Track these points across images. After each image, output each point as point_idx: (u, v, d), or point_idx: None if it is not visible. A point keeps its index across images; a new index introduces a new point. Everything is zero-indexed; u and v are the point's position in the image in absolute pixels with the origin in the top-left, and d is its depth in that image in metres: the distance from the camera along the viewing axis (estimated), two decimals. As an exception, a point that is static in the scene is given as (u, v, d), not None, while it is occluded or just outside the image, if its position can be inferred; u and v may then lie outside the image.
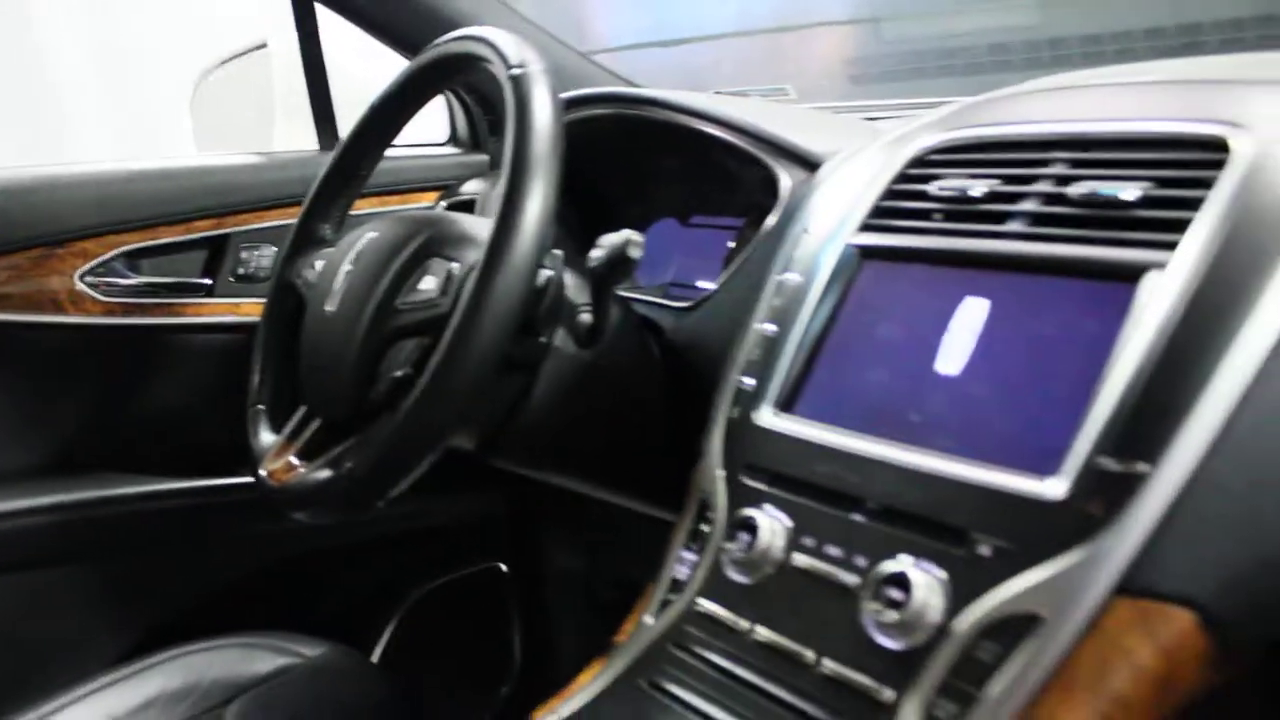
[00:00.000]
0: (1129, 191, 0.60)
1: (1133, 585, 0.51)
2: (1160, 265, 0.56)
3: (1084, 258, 0.60)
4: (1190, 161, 0.60)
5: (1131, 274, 0.57)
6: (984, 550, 0.55)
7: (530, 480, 0.97)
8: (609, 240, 0.80)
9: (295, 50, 1.21)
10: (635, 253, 0.80)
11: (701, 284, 1.01)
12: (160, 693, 0.89)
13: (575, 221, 1.09)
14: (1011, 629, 0.53)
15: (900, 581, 0.55)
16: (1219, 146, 0.59)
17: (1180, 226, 0.57)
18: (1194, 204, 0.57)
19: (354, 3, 1.20)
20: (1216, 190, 0.57)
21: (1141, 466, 0.52)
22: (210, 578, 1.20)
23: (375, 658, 1.28)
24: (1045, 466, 0.55)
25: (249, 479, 0.88)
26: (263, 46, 1.35)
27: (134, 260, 1.12)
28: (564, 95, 1.06)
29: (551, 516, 1.40)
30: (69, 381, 1.13)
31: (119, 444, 1.15)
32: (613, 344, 0.86)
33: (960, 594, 0.55)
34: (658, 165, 1.09)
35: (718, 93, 1.19)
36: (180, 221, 1.13)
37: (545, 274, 0.81)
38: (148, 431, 1.16)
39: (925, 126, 0.77)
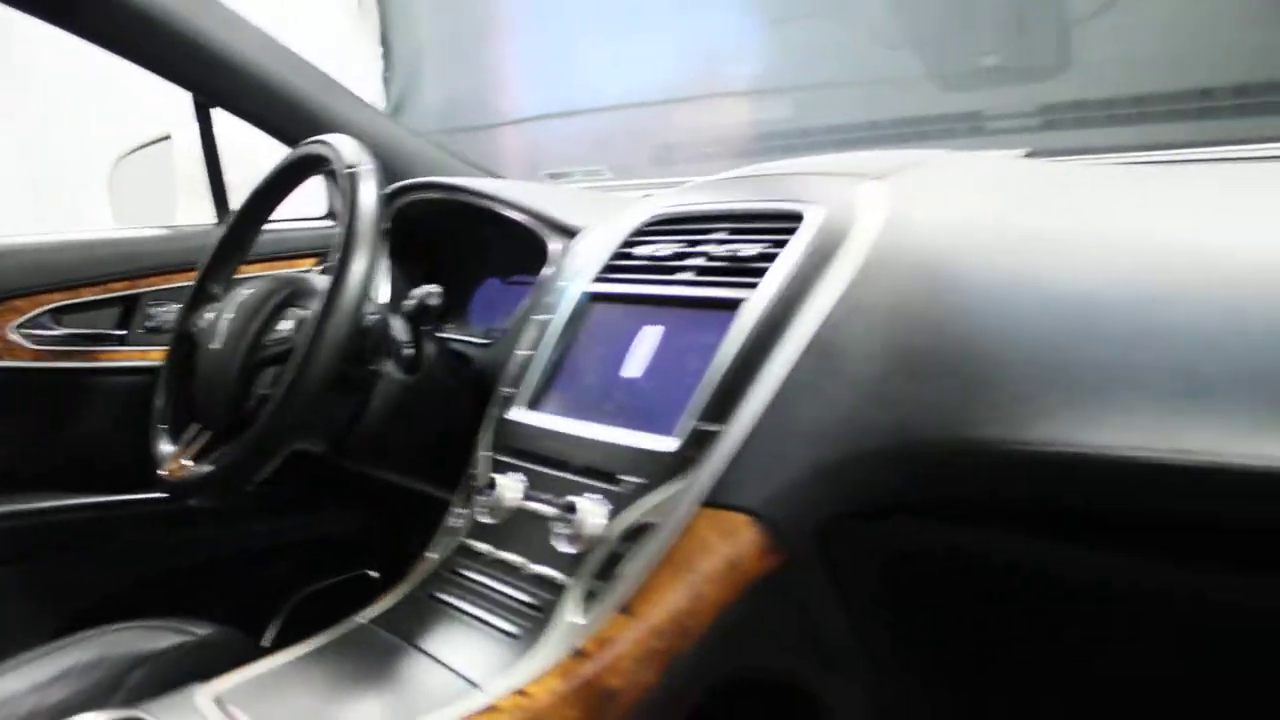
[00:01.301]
0: (750, 249, 0.92)
1: (712, 501, 0.81)
2: (749, 298, 0.87)
3: (715, 296, 0.91)
4: (784, 229, 0.91)
5: (736, 304, 0.88)
6: (627, 486, 0.85)
7: (401, 496, 1.24)
8: (415, 292, 1.11)
9: (195, 141, 1.51)
10: (434, 301, 1.10)
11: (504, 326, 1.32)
12: (74, 664, 1.08)
13: (419, 279, 1.39)
14: (638, 534, 0.83)
15: (572, 508, 0.85)
16: (796, 217, 0.91)
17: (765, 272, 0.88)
18: (774, 257, 0.89)
19: (245, 106, 1.50)
20: (788, 247, 0.88)
21: (718, 426, 0.83)
22: (120, 577, 1.46)
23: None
24: (668, 430, 0.86)
25: (155, 494, 1.15)
26: (166, 138, 1.64)
27: (59, 315, 1.40)
28: (400, 183, 1.38)
29: (417, 528, 1.68)
30: (4, 414, 1.40)
31: (47, 466, 1.42)
32: (429, 370, 1.16)
33: (611, 515, 0.85)
34: (483, 235, 1.39)
35: (553, 173, 1.49)
36: (100, 283, 1.41)
37: (372, 318, 1.10)
38: (71, 455, 1.43)
39: (647, 203, 1.09)
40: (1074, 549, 0.78)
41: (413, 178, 1.40)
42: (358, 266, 1.02)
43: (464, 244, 1.43)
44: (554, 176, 1.80)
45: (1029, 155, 1.26)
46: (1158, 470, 0.67)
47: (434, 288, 1.11)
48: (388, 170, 1.34)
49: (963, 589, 0.87)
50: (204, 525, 1.50)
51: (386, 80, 4.02)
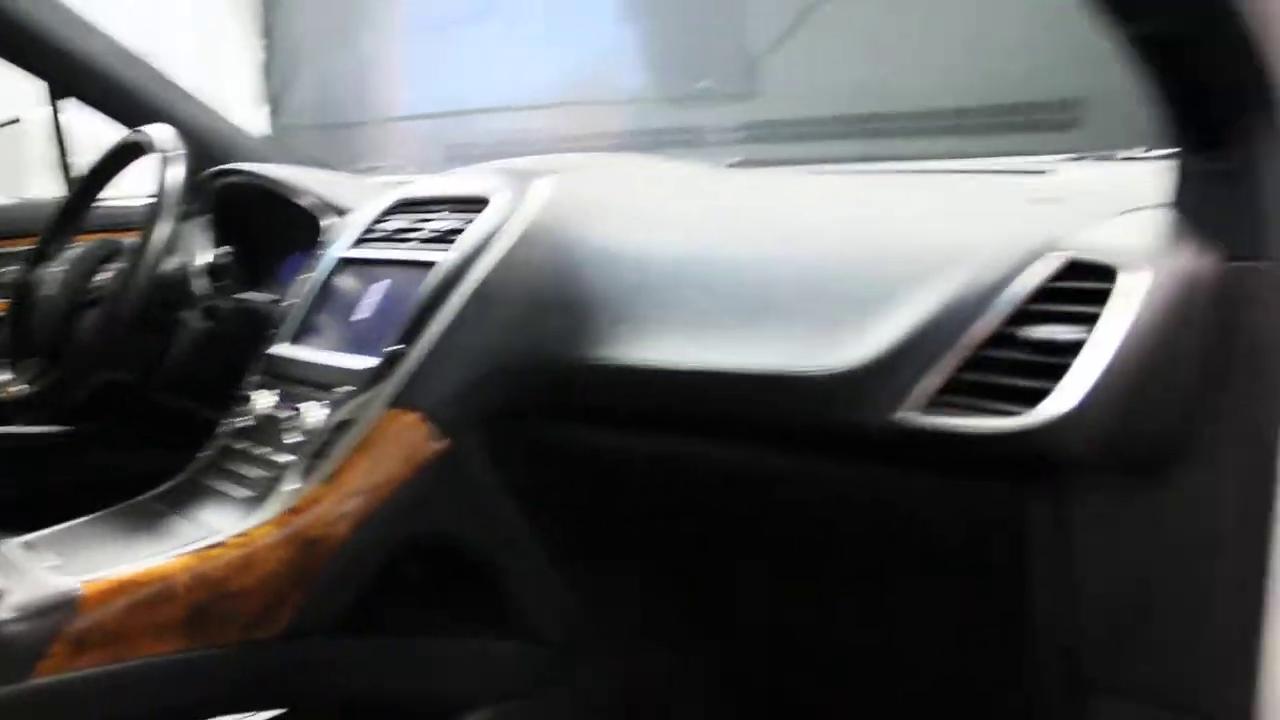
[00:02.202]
0: (450, 224, 1.25)
1: (395, 403, 1.14)
2: (440, 260, 1.20)
3: (421, 259, 1.24)
4: (477, 209, 1.24)
5: (432, 264, 1.21)
6: (340, 394, 1.17)
7: (206, 430, 1.54)
8: (210, 255, 1.42)
9: (46, 124, 1.79)
10: (224, 261, 1.41)
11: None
12: None
13: (238, 251, 1.68)
14: (344, 427, 1.15)
15: (297, 410, 1.18)
16: (485, 201, 1.23)
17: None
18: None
19: (90, 96, 1.79)
20: (474, 223, 1.21)
21: (403, 348, 1.15)
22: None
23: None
24: (374, 354, 1.18)
25: None
26: (16, 121, 1.93)
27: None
28: (217, 168, 1.68)
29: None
30: None
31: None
32: (224, 320, 1.47)
33: (328, 415, 1.17)
34: (289, 215, 1.70)
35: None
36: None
37: (174, 273, 1.41)
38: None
39: (397, 189, 1.41)
40: (657, 440, 1.11)
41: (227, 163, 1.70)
42: (159, 231, 1.33)
43: (274, 222, 1.73)
44: (368, 169, 2.11)
45: (736, 164, 1.62)
46: (684, 374, 1.01)
47: (225, 250, 1.42)
48: (208, 157, 1.65)
49: (591, 476, 1.21)
50: (42, 457, 1.79)
51: (267, 72, 4.28)
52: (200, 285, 1.47)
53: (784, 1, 1.67)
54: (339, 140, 3.54)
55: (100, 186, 1.54)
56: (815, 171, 1.54)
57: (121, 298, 1.31)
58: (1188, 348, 0.78)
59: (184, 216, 1.40)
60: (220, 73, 3.98)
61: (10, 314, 1.51)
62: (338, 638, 1.15)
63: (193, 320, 1.45)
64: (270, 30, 4.19)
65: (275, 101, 4.14)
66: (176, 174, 1.36)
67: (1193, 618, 0.87)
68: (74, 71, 1.73)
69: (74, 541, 1.16)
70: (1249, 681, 0.85)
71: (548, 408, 1.15)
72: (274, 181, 1.57)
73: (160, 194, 1.35)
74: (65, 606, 0.99)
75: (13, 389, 1.40)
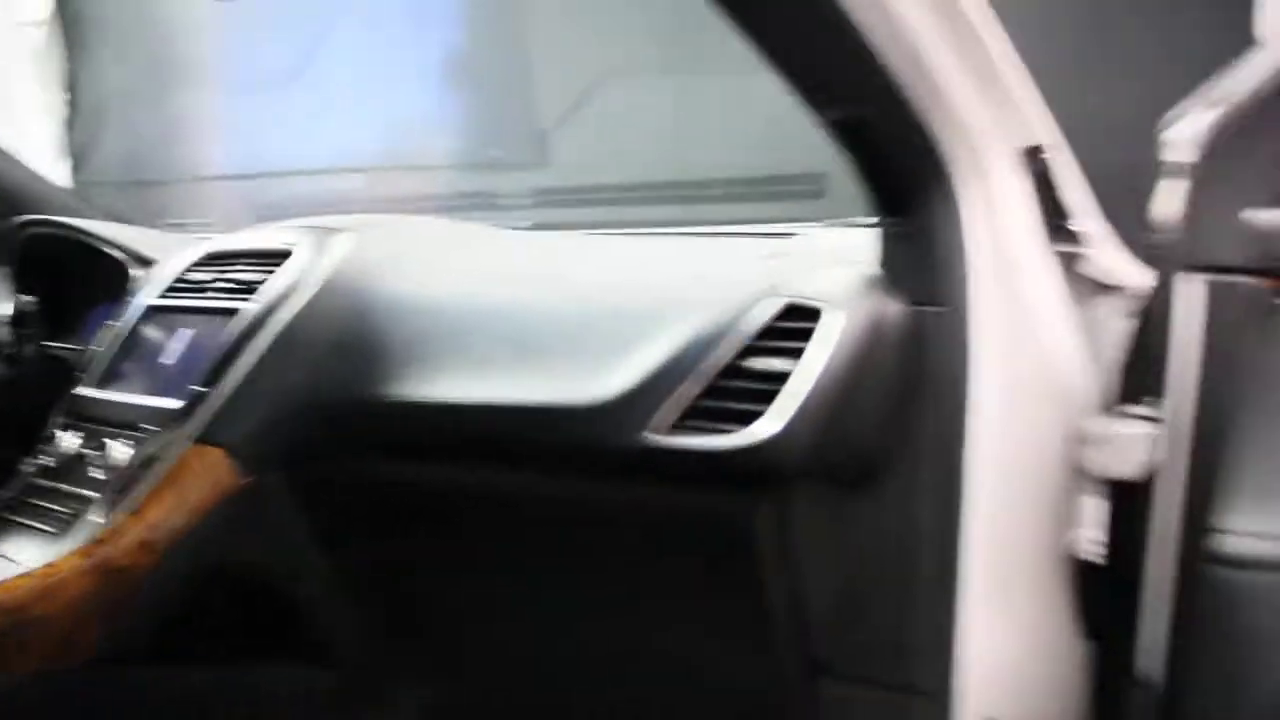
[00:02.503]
0: (253, 275, 1.34)
1: (200, 439, 1.22)
2: (243, 308, 1.29)
3: (225, 307, 1.32)
4: (279, 262, 1.33)
5: (235, 312, 1.30)
6: (147, 432, 1.25)
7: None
8: (12, 304, 1.47)
9: None
10: (28, 309, 1.47)
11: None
12: None
13: (47, 303, 1.71)
14: (150, 463, 1.22)
15: (103, 447, 1.24)
16: (287, 254, 1.33)
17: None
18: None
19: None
20: (275, 274, 1.31)
21: (208, 390, 1.24)
22: None
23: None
24: (179, 395, 1.26)
25: None
26: None
27: None
28: (22, 219, 1.72)
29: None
30: None
31: None
32: (28, 366, 1.52)
33: (134, 452, 1.24)
34: (99, 266, 1.75)
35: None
36: None
37: None
38: None
39: (203, 244, 1.50)
40: (447, 470, 1.22)
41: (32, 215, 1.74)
42: None
43: (81, 273, 1.78)
44: (173, 225, 2.17)
45: (530, 227, 1.76)
46: (467, 408, 1.13)
47: (29, 300, 1.48)
48: (12, 208, 1.70)
49: (390, 509, 1.31)
50: None
51: (70, 126, 4.22)
52: (2, 334, 1.51)
53: (571, 80, 1.84)
54: (144, 197, 3.55)
55: None
56: (592, 234, 1.70)
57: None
58: (879, 377, 0.95)
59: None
60: (19, 126, 3.92)
61: None
62: (143, 666, 1.21)
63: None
64: (74, 84, 4.14)
65: (78, 156, 4.09)
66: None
67: (901, 607, 1.03)
68: None
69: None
70: (949, 660, 1.02)
71: (348, 444, 1.25)
72: (83, 233, 1.63)
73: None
74: None
75: None
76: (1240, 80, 0.85)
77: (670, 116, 1.76)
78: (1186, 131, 0.86)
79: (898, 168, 0.94)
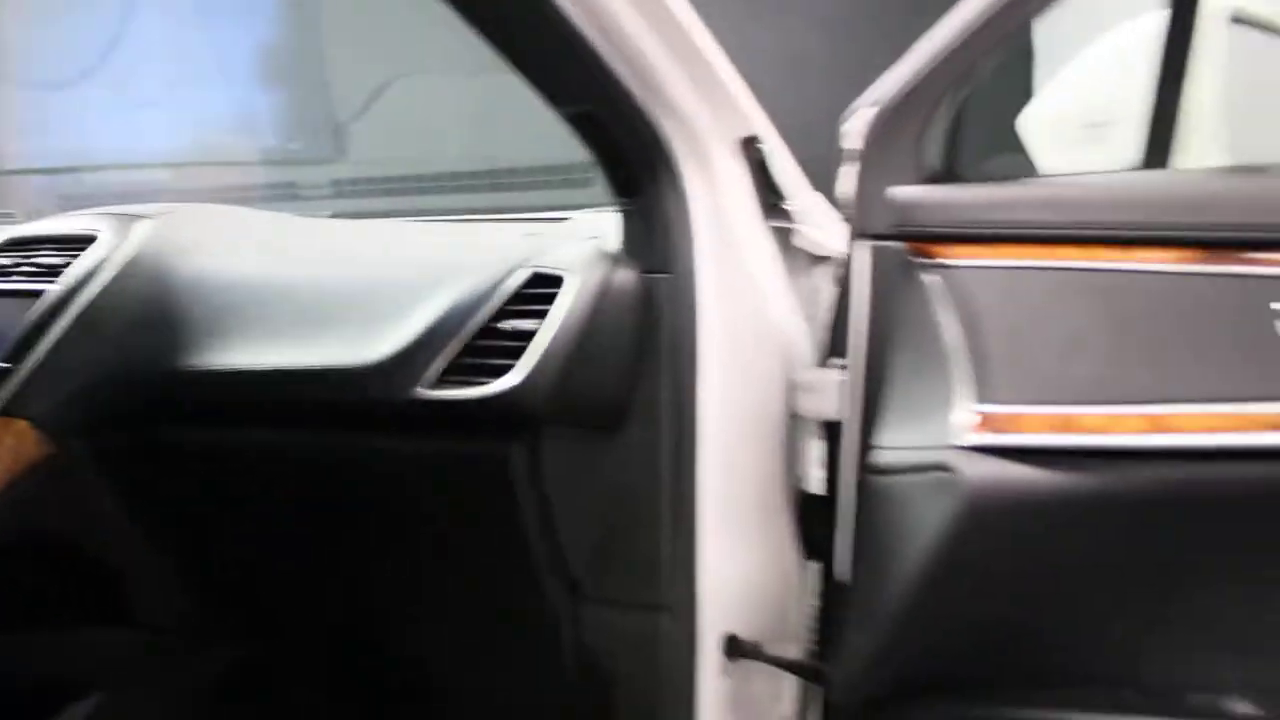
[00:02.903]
0: (55, 259, 1.42)
1: (3, 411, 1.30)
2: (46, 290, 1.37)
3: (25, 289, 1.40)
4: (83, 246, 1.42)
5: (38, 294, 1.38)
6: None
7: None
8: None
9: None
10: None
11: None
12: None
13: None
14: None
15: None
16: (91, 239, 1.42)
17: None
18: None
19: None
20: (81, 257, 1.39)
21: (11, 366, 1.32)
22: None
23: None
24: None
25: None
26: None
27: None
28: None
29: None
30: None
31: None
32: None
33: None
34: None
35: None
36: None
37: None
38: None
39: (3, 229, 1.56)
40: (244, 433, 1.32)
41: None
42: None
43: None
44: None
45: (332, 216, 1.87)
46: (259, 373, 1.24)
47: None
48: None
49: (195, 474, 1.41)
50: None
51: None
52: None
53: (366, 77, 1.96)
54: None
55: None
56: (381, 221, 1.83)
57: None
58: (614, 334, 1.11)
59: None
60: None
61: None
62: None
63: None
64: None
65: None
66: None
67: (647, 537, 1.20)
68: None
69: None
70: (691, 582, 1.19)
71: (152, 413, 1.35)
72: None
73: None
74: None
75: None
76: (895, 79, 1.04)
77: (460, 111, 1.90)
78: (856, 123, 1.05)
79: (627, 156, 1.10)
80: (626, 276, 1.12)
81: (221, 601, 1.52)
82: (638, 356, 1.13)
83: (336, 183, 2.07)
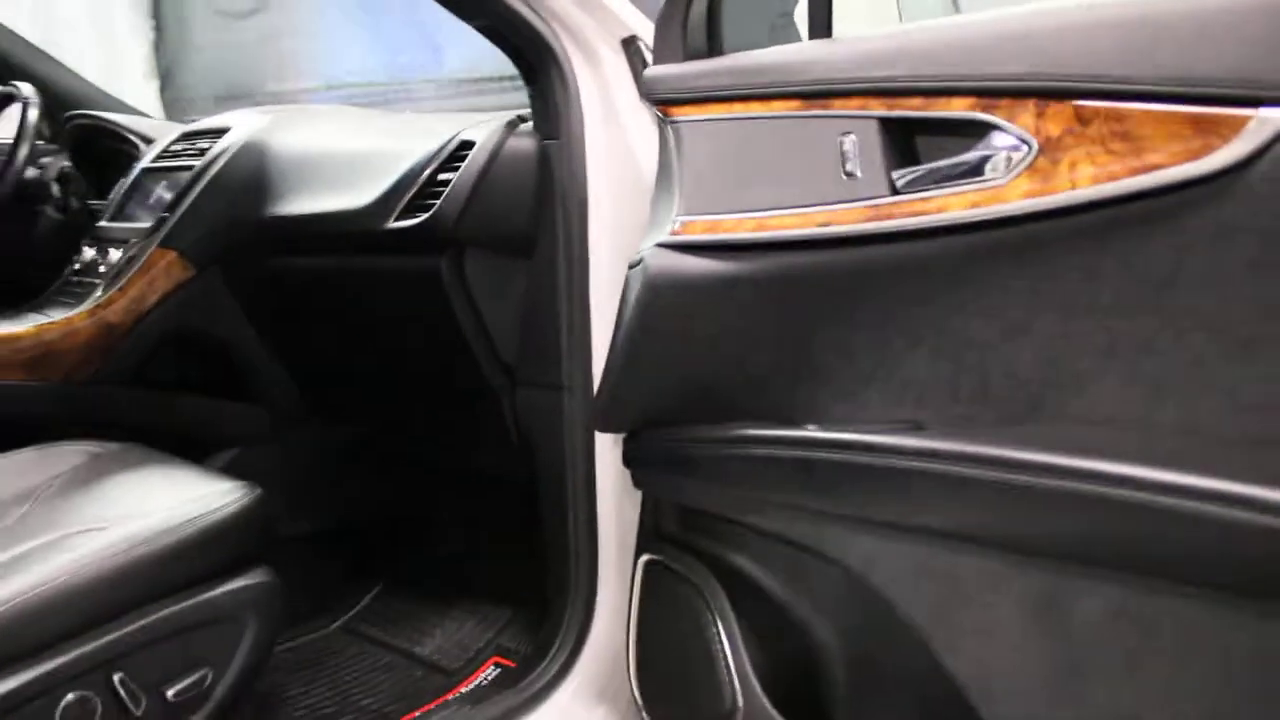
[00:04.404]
0: (205, 144, 2.07)
1: (162, 244, 1.97)
2: (196, 164, 2.03)
3: (187, 165, 2.06)
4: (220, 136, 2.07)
5: (192, 169, 2.04)
6: (133, 243, 2.00)
7: None
8: (56, 172, 2.24)
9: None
10: (66, 169, 2.24)
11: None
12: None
13: (86, 169, 2.46)
14: (131, 260, 1.98)
15: (107, 255, 2.01)
16: (226, 129, 2.06)
17: None
18: None
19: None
20: (217, 144, 2.04)
21: (169, 215, 1.98)
22: None
23: None
24: (153, 220, 2.01)
25: None
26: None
27: None
28: (71, 113, 2.49)
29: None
30: None
31: None
32: (70, 214, 2.29)
33: (120, 254, 2.00)
34: (119, 143, 2.49)
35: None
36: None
37: (32, 179, 2.22)
38: None
39: (180, 127, 2.24)
40: (307, 260, 1.92)
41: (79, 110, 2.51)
42: (21, 151, 2.14)
43: (109, 149, 2.52)
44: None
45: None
46: (308, 217, 1.85)
47: (70, 166, 2.24)
48: (66, 104, 2.46)
49: (284, 290, 2.03)
50: None
51: (157, 48, 5.05)
52: (54, 190, 2.28)
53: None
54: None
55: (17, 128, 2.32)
56: (399, 112, 2.37)
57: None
58: (513, 181, 1.59)
59: (49, 146, 2.23)
60: (118, 50, 4.76)
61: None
62: (127, 387, 1.98)
63: (48, 212, 2.27)
64: (159, 15, 4.96)
65: (164, 77, 4.93)
66: (32, 113, 2.17)
67: (552, 329, 1.61)
68: None
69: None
70: (586, 364, 1.63)
71: (255, 247, 1.97)
72: (109, 122, 2.39)
73: (21, 127, 2.16)
74: None
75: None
76: None
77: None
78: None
79: (525, 55, 1.55)
80: (525, 141, 1.61)
81: (315, 390, 2.15)
82: (538, 200, 1.60)
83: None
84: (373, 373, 2.01)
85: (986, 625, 1.11)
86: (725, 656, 1.36)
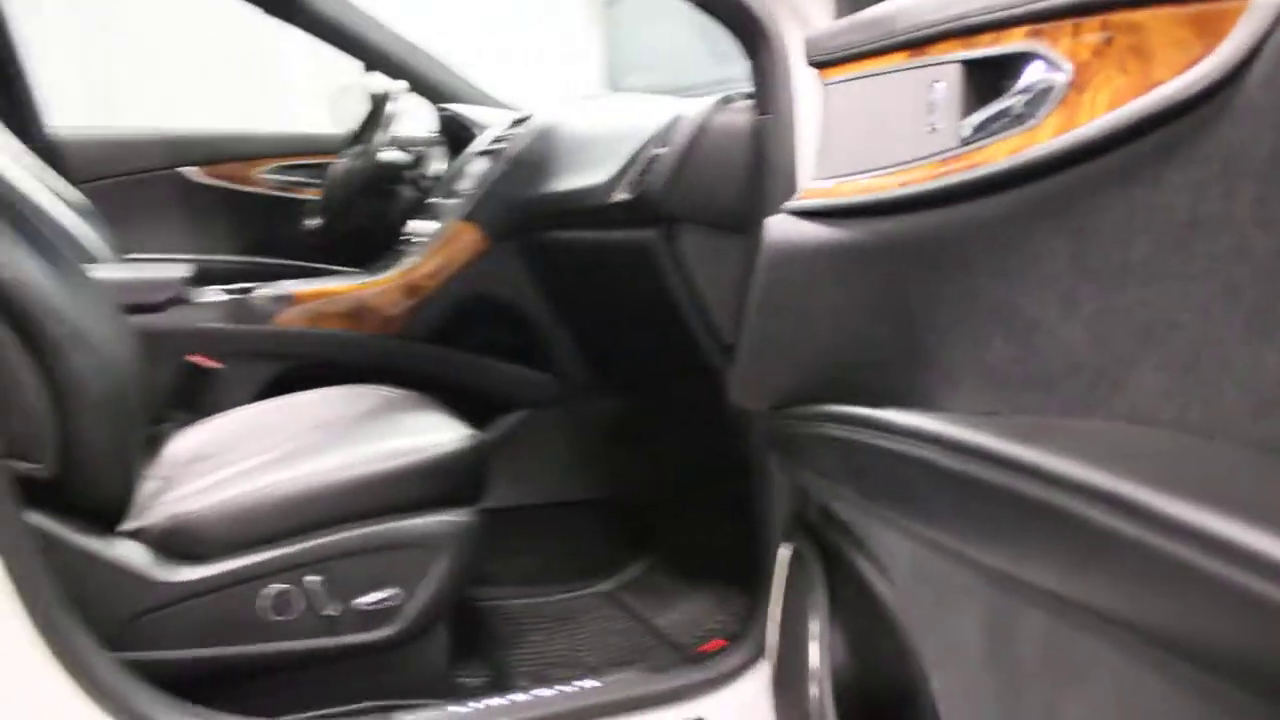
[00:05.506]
0: (516, 130, 2.33)
1: (464, 219, 2.24)
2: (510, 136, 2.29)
3: (500, 148, 2.32)
4: None
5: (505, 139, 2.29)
6: (445, 219, 2.29)
7: None
8: (414, 155, 2.59)
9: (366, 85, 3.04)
10: (425, 155, 2.58)
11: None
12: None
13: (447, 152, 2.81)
14: (437, 233, 2.27)
15: (424, 227, 2.31)
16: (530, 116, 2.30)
17: None
18: None
19: (384, 67, 3.01)
20: (522, 126, 2.28)
21: (473, 192, 2.25)
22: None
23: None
24: (462, 196, 2.29)
25: None
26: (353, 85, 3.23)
27: (285, 169, 2.99)
28: (440, 105, 2.84)
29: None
30: (248, 223, 3.01)
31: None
32: (423, 191, 2.64)
33: (434, 226, 2.29)
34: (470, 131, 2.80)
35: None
36: (298, 154, 2.99)
37: (387, 162, 2.59)
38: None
39: (512, 114, 2.51)
40: (575, 232, 2.10)
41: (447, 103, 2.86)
42: (379, 137, 2.50)
43: (466, 136, 2.83)
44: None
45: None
46: (571, 191, 2.03)
47: (421, 149, 2.58)
48: (439, 95, 2.80)
49: (564, 262, 2.22)
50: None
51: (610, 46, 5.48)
52: (410, 170, 2.63)
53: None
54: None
55: (376, 118, 2.71)
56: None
57: (354, 170, 2.50)
58: (723, 156, 1.66)
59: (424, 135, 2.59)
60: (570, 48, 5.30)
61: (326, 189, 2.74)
62: (429, 345, 2.27)
63: (406, 190, 2.62)
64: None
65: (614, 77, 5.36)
66: (390, 107, 2.52)
67: None
68: (373, 54, 2.90)
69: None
70: None
71: (535, 221, 2.18)
72: (456, 112, 2.72)
73: (377, 118, 2.52)
74: (283, 300, 2.19)
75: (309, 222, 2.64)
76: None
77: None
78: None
79: (743, 31, 1.57)
80: (736, 117, 1.67)
81: (593, 361, 2.32)
82: (753, 177, 1.62)
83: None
84: (623, 346, 2.14)
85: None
86: (816, 671, 1.31)
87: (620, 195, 1.76)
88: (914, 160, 1.09)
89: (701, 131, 1.67)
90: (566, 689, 1.55)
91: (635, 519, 2.32)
